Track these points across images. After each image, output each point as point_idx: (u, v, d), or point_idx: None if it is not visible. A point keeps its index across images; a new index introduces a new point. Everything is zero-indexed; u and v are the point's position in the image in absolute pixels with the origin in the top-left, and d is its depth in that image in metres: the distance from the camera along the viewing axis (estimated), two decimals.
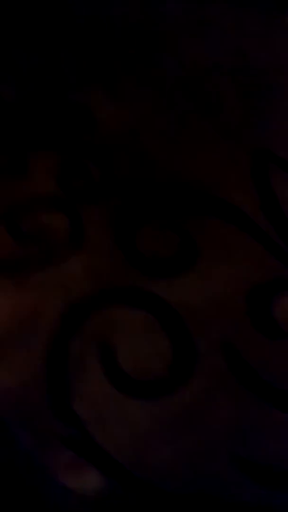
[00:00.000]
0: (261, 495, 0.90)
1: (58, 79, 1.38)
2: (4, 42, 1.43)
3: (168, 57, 1.46)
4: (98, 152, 1.30)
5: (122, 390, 1.04)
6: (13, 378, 1.04)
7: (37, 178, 1.27)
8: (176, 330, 1.11)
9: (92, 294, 1.15)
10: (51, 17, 1.49)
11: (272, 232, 1.23)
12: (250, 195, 1.28)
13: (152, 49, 1.46)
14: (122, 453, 0.94)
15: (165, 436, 0.99)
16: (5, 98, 1.32)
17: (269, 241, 1.22)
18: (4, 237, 1.20)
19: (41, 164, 1.28)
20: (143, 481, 0.83)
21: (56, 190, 1.25)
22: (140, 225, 1.23)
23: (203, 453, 0.97)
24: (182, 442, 0.98)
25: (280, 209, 1.26)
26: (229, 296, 1.16)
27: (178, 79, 1.42)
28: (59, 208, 1.23)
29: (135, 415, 1.01)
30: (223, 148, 1.33)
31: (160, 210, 1.25)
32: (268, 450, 0.96)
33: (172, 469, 0.95)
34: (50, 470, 0.79)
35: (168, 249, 1.21)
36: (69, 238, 1.21)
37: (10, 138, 1.30)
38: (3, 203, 1.23)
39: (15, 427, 0.93)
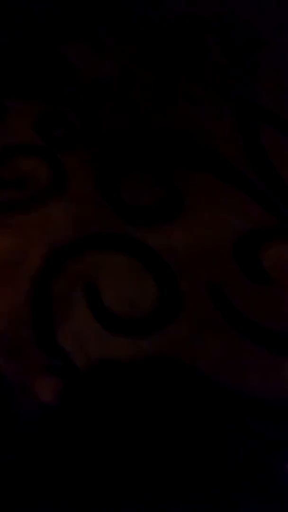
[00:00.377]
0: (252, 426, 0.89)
1: (43, 31, 1.37)
2: None
3: (154, 13, 1.46)
4: (80, 101, 1.29)
5: (108, 328, 1.03)
6: None
7: (16, 126, 1.25)
8: (160, 272, 1.10)
9: (75, 239, 1.14)
10: None
11: (258, 182, 1.23)
12: (236, 146, 1.28)
13: (137, 5, 1.46)
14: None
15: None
16: None
17: (255, 191, 1.22)
18: None
19: (20, 112, 1.26)
20: None
21: (36, 137, 1.23)
22: (123, 173, 1.22)
23: None
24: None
25: (267, 159, 1.26)
26: (215, 242, 1.15)
27: (164, 34, 1.42)
28: (41, 155, 1.22)
29: (120, 349, 0.99)
30: (208, 101, 1.33)
31: (145, 160, 1.24)
32: (255, 385, 0.96)
33: None
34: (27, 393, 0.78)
35: (153, 198, 1.20)
36: (52, 184, 1.20)
37: None
38: None
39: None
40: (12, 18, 1.39)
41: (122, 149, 1.26)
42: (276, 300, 1.07)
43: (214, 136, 1.28)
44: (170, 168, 1.24)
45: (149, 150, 1.27)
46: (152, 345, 1.01)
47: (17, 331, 1.01)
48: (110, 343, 1.01)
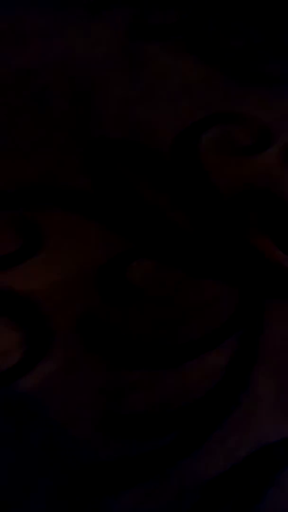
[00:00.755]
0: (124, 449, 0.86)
1: None
2: None
3: None
4: None
5: None
6: None
7: None
8: (26, 317, 1.05)
9: None
10: None
11: (113, 210, 1.22)
12: (87, 180, 1.27)
13: None
14: None
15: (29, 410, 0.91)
16: None
17: (111, 220, 1.20)
18: None
19: None
20: None
21: None
22: None
23: (67, 421, 0.91)
24: (45, 414, 0.91)
25: (121, 186, 1.26)
26: (78, 275, 1.12)
27: (5, 82, 1.44)
28: None
29: None
30: (57, 141, 1.33)
31: None
32: (134, 404, 0.92)
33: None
34: None
35: (7, 241, 1.16)
36: None
37: None
38: None
39: None
40: None
41: None
42: (147, 316, 1.04)
43: (67, 174, 1.27)
44: (23, 209, 1.21)
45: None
46: (23, 387, 0.95)
47: None
48: None
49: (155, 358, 0.99)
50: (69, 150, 1.33)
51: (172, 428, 0.88)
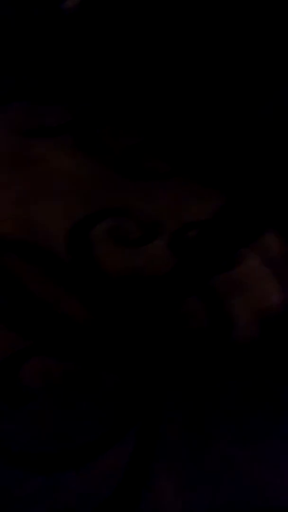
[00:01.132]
0: None
1: None
2: None
3: None
4: None
5: None
6: None
7: None
8: None
9: None
10: None
11: (6, 306, 1.22)
12: None
13: None
14: None
15: None
16: None
17: (5, 317, 1.20)
18: None
19: None
20: None
21: None
22: None
23: None
24: None
25: (11, 282, 1.27)
26: None
27: None
28: None
29: None
30: None
31: None
32: None
33: None
34: None
35: None
36: None
37: None
38: None
39: None
40: None
41: None
42: (40, 418, 1.02)
43: None
44: None
45: None
46: None
47: None
48: None
49: (52, 463, 0.97)
50: None
51: None
